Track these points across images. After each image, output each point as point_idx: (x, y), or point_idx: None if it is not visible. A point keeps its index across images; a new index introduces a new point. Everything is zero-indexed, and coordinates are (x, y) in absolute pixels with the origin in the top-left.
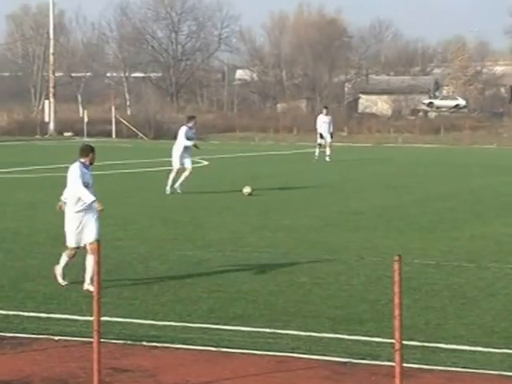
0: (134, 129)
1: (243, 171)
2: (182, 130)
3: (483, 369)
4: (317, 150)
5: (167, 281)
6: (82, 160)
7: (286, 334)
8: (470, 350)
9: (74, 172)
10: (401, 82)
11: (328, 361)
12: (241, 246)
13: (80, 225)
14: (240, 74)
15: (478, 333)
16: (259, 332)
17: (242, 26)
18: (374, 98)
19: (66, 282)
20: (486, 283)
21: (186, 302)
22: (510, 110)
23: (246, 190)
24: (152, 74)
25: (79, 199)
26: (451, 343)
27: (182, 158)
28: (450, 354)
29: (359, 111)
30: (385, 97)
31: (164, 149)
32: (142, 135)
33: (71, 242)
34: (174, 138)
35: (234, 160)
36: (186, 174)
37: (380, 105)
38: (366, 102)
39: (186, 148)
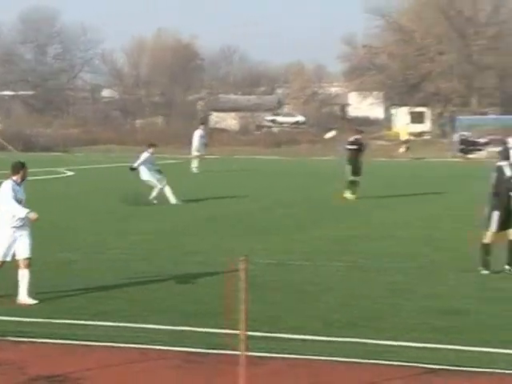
0: (3, 142)
1: (106, 180)
2: (144, 156)
3: (319, 355)
4: (195, 162)
5: (38, 281)
6: (14, 178)
7: (146, 328)
8: (308, 339)
9: (6, 190)
10: (247, 100)
11: (182, 351)
12: (105, 248)
13: (12, 240)
14: (105, 92)
15: (315, 323)
16: (122, 326)
17: (105, 48)
18: (223, 114)
19: None
20: (322, 279)
21: (56, 300)
22: (343, 126)
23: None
24: (21, 92)
25: (14, 216)
26: (292, 333)
27: (154, 175)
28: (290, 343)
29: (210, 126)
30: (233, 114)
31: (32, 160)
32: (11, 148)
33: None
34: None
35: (97, 170)
36: (162, 187)
37: (229, 121)
38: (216, 119)
39: (150, 168)
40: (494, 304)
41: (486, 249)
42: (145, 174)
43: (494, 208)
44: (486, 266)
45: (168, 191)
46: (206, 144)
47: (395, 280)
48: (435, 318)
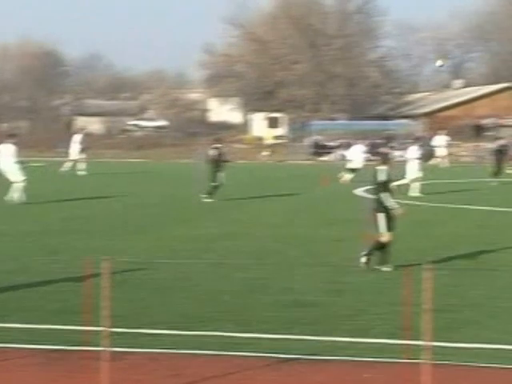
0: None
1: None
2: (13, 148)
3: (180, 349)
4: (69, 165)
5: None
6: None
7: (7, 327)
8: (169, 334)
9: None
10: (111, 105)
11: (44, 349)
12: None
13: None
14: None
15: (177, 318)
16: None
17: None
18: (88, 119)
19: None
20: (184, 276)
21: None
22: (204, 130)
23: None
24: None
25: None
26: (153, 328)
27: (15, 168)
28: (151, 337)
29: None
30: (98, 118)
31: None
32: None
33: None
34: None
35: None
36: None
37: (94, 125)
38: (81, 123)
39: (12, 160)
40: (343, 296)
41: (379, 247)
42: (6, 165)
43: (377, 210)
44: (385, 262)
45: (18, 188)
46: (84, 148)
47: (253, 276)
48: (289, 311)
